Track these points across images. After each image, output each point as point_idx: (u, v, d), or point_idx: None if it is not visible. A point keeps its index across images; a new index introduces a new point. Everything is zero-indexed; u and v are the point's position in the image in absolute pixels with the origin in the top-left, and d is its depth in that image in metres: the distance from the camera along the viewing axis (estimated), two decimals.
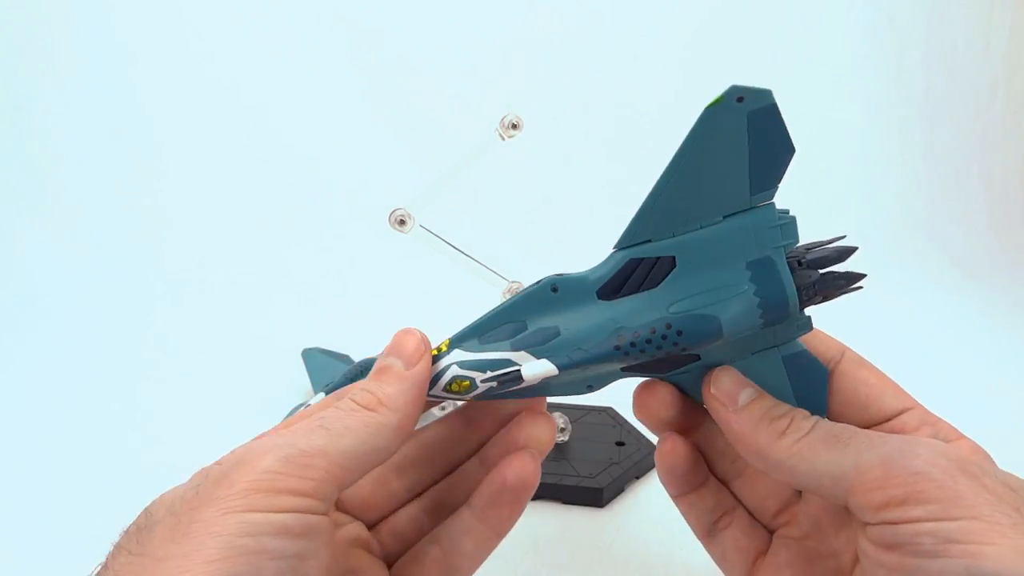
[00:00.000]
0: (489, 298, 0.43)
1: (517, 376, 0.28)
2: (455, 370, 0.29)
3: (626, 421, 0.59)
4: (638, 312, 0.27)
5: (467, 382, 0.29)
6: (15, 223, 1.03)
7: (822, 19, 1.13)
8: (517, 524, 0.48)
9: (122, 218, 1.05)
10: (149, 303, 0.93)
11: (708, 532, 0.33)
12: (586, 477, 0.51)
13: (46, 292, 0.94)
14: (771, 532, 0.33)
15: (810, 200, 1.08)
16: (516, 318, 0.29)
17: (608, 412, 0.60)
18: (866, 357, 0.32)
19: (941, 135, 1.15)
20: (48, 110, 1.06)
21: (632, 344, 0.27)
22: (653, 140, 1.10)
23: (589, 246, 0.43)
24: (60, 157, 1.06)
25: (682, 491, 0.33)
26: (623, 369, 0.30)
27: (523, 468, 0.30)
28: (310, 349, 0.71)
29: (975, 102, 1.14)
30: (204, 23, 1.07)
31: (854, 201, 1.12)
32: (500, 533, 0.31)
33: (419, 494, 0.33)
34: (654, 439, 0.34)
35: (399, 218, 0.48)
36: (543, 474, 0.50)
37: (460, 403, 0.32)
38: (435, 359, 0.30)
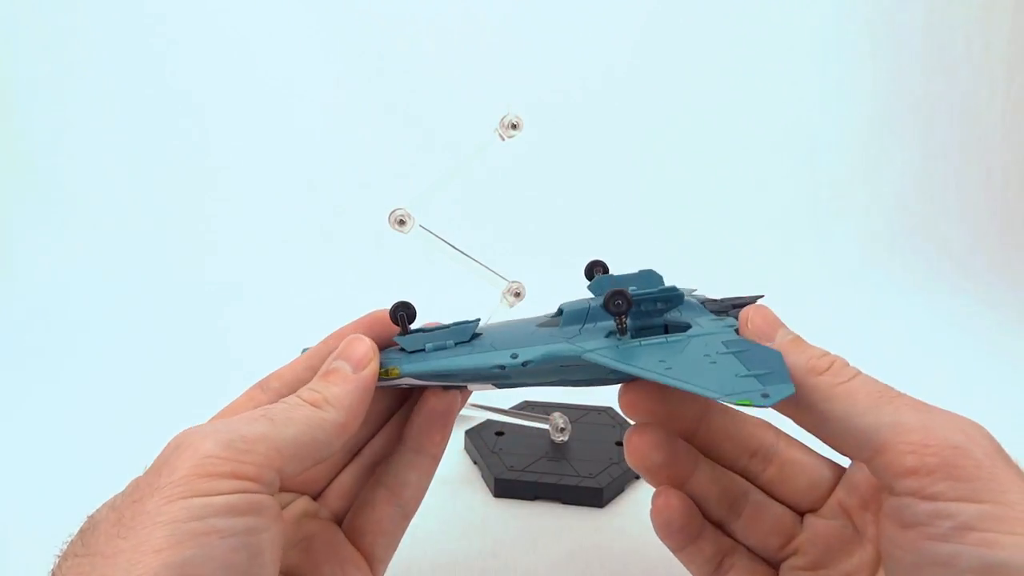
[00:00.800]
0: (489, 298, 0.43)
1: (463, 387, 0.33)
2: (408, 382, 0.33)
3: (626, 421, 0.58)
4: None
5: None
6: (24, 228, 1.03)
7: (822, 19, 1.13)
8: (517, 524, 0.48)
9: (121, 217, 1.05)
10: (147, 302, 0.93)
11: None
12: (586, 477, 0.51)
13: (52, 297, 0.95)
14: (774, 566, 0.33)
15: (811, 200, 1.10)
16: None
17: (608, 412, 0.60)
18: (866, 356, 0.32)
19: (941, 135, 1.14)
20: (50, 110, 1.06)
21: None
22: (653, 140, 1.10)
23: (589, 246, 0.43)
24: (67, 160, 1.06)
25: (681, 545, 0.33)
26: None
27: (443, 394, 0.33)
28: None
29: (975, 102, 1.14)
30: (203, 22, 1.07)
31: (854, 201, 1.12)
32: (436, 457, 0.34)
33: (356, 454, 0.35)
34: None
35: (399, 218, 0.48)
36: (543, 474, 0.51)
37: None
38: (386, 379, 0.32)
